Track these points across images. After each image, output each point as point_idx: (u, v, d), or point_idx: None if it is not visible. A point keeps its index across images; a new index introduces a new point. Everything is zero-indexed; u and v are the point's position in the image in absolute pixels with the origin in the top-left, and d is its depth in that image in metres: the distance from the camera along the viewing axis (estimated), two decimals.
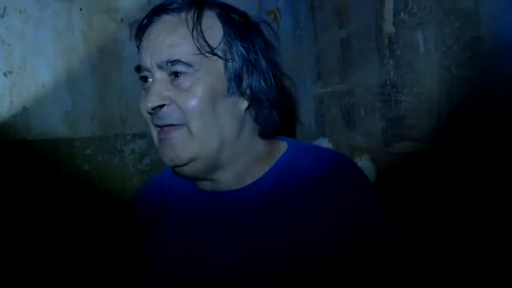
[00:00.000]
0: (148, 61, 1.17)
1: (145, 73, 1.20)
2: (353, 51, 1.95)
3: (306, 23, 2.25)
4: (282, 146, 1.29)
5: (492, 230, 1.49)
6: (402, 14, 1.77)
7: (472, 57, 1.60)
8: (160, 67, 1.16)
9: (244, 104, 1.21)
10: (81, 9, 1.67)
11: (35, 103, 1.58)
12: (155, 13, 1.20)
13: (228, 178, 1.24)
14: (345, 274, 1.15)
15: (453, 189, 1.27)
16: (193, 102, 1.15)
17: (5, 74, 1.54)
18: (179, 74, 1.15)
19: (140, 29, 1.23)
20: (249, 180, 1.24)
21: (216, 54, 1.16)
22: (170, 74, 1.16)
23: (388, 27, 1.82)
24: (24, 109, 1.56)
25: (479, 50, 1.58)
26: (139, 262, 1.36)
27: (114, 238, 1.68)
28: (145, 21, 1.22)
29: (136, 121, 1.77)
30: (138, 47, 1.23)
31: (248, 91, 1.20)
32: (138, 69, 1.21)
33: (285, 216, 1.18)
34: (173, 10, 1.18)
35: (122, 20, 1.75)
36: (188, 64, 1.14)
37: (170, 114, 1.16)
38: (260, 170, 1.25)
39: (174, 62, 1.14)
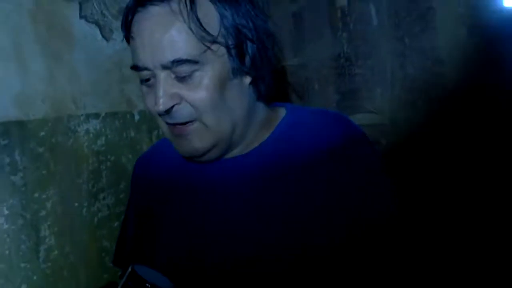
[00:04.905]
0: (148, 61, 1.10)
1: (145, 73, 1.13)
2: (306, 24, 1.95)
3: None
4: (282, 111, 1.28)
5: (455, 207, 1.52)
6: None
7: (425, 28, 1.62)
8: (164, 67, 1.10)
9: (248, 79, 1.18)
10: None
11: None
12: (139, 4, 1.11)
13: (237, 150, 1.24)
14: (345, 257, 1.12)
15: (407, 159, 1.29)
16: (203, 97, 1.11)
17: None
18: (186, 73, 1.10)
19: (126, 23, 1.15)
20: (253, 147, 1.23)
21: (218, 42, 1.10)
22: (175, 73, 1.10)
23: (341, 0, 1.82)
24: None
25: (432, 21, 1.60)
26: (135, 239, 1.35)
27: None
28: (130, 16, 1.14)
29: (89, 101, 1.75)
30: (127, 39, 1.16)
31: (250, 67, 1.16)
32: (136, 68, 1.14)
33: (285, 183, 1.16)
34: (161, 0, 1.09)
35: None
36: (195, 62, 1.09)
37: (181, 113, 1.13)
38: (263, 137, 1.24)
39: (180, 61, 1.08)
